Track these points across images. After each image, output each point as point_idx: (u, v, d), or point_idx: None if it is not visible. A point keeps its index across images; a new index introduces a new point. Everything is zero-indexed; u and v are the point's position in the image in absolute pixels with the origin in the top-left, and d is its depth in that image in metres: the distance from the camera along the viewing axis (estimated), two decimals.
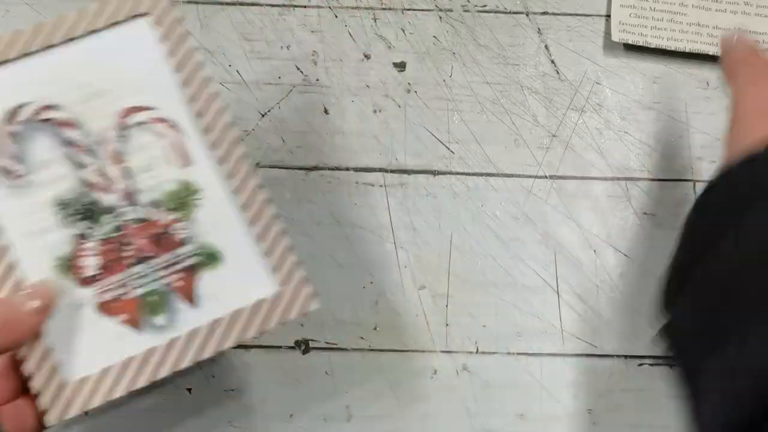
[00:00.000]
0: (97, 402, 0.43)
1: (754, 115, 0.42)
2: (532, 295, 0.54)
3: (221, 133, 0.46)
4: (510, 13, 0.60)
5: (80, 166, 0.45)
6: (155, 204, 0.45)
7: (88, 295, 0.44)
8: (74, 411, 0.43)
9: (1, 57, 0.45)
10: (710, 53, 0.58)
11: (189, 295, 0.45)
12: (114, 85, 0.46)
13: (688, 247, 0.40)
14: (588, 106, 0.58)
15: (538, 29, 0.59)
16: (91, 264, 0.45)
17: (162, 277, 0.45)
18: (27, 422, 0.42)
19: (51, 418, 0.42)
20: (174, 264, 0.45)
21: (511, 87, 0.58)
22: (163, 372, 0.44)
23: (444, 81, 0.58)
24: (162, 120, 0.46)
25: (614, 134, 0.57)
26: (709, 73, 0.59)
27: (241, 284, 0.45)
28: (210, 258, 0.45)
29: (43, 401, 0.42)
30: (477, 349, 0.54)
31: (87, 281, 0.44)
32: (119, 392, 0.43)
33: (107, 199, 0.45)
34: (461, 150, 0.56)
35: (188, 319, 0.45)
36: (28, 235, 0.44)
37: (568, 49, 0.59)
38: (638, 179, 0.56)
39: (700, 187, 0.56)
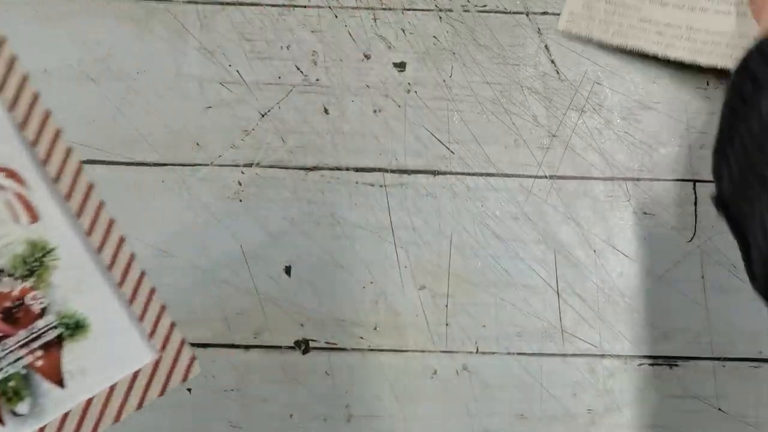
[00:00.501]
0: None
1: None
2: (532, 295, 0.54)
3: (72, 180, 0.39)
4: (510, 13, 0.60)
5: None
6: (2, 272, 0.38)
7: None
8: None
9: None
10: (650, 52, 0.57)
11: (54, 375, 0.39)
12: None
13: (730, 114, 0.43)
14: (588, 106, 0.58)
15: (538, 29, 0.59)
16: None
17: (20, 358, 0.39)
18: None
19: None
20: (33, 340, 0.39)
21: (511, 87, 0.58)
22: None
23: (444, 81, 0.58)
24: (3, 169, 0.38)
25: (614, 134, 0.57)
26: (709, 73, 0.59)
27: (113, 355, 0.40)
28: (75, 328, 0.39)
29: None
30: (477, 349, 0.54)
31: None
32: None
33: None
34: (461, 150, 0.56)
35: (57, 401, 0.39)
36: None
37: (568, 49, 0.59)
38: (638, 179, 0.56)
39: (700, 187, 0.56)
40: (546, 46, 0.59)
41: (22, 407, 0.39)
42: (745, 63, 0.42)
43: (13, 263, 0.39)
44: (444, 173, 0.56)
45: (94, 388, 0.39)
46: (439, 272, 0.55)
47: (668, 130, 0.57)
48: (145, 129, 0.56)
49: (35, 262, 0.39)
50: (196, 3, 0.59)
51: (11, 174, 0.39)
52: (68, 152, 0.39)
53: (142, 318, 0.40)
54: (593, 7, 0.57)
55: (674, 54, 0.56)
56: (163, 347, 0.40)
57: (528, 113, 0.57)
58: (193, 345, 0.52)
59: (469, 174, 0.56)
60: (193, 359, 0.41)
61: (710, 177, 0.56)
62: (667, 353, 0.53)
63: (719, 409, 0.52)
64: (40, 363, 0.39)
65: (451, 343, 0.54)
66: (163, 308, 0.40)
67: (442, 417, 0.53)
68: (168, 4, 0.59)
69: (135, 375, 0.40)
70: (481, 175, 0.56)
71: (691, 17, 0.56)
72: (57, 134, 0.39)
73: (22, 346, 0.39)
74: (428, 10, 0.59)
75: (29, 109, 0.38)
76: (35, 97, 0.38)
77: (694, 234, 0.55)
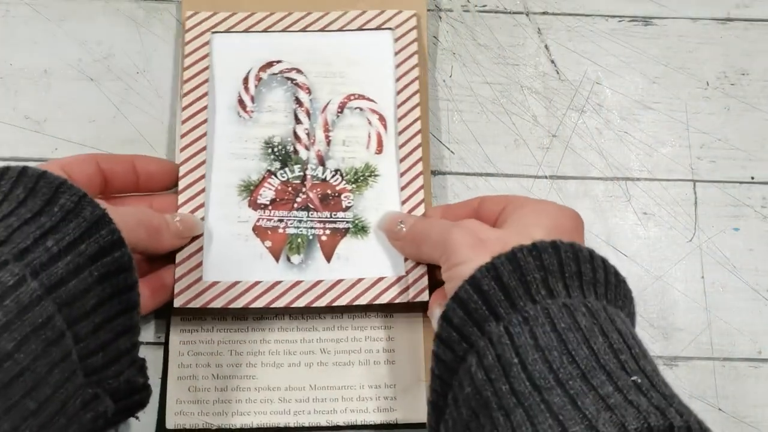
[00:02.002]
0: (218, 305, 0.49)
1: (467, 246, 0.43)
2: None
3: (410, 136, 0.54)
4: (510, 13, 0.60)
5: (298, 121, 0.55)
6: (338, 172, 0.54)
7: (253, 216, 0.52)
8: (197, 304, 0.49)
9: (270, 30, 0.56)
10: (289, 425, 0.49)
11: (328, 251, 0.52)
12: (350, 72, 0.56)
13: (438, 382, 0.41)
14: (588, 106, 0.58)
15: (538, 29, 0.59)
16: (266, 195, 0.53)
17: (314, 227, 0.52)
18: (163, 293, 0.49)
19: (177, 302, 0.49)
20: (329, 222, 0.52)
21: (511, 87, 0.58)
22: (280, 304, 0.50)
23: (444, 81, 0.58)
24: (377, 112, 0.55)
25: (614, 134, 0.57)
26: (709, 73, 0.59)
27: (373, 259, 0.51)
28: (359, 229, 0.52)
29: (179, 286, 0.49)
30: None
31: (257, 206, 0.52)
32: (238, 305, 0.49)
33: (304, 153, 0.54)
34: (461, 150, 0.56)
35: (319, 269, 0.51)
36: (232, 155, 0.53)
37: (568, 49, 0.59)
38: (638, 179, 0.56)
39: (700, 187, 0.56)
40: (546, 46, 0.59)
41: (296, 259, 0.52)
42: (445, 338, 0.40)
43: (348, 170, 0.54)
44: (444, 173, 0.56)
45: (346, 274, 0.51)
46: None
47: (668, 130, 0.57)
48: (145, 129, 0.56)
49: (362, 177, 0.53)
50: None
51: (382, 119, 0.55)
52: (416, 119, 0.54)
53: None
54: (200, 399, 0.50)
55: (306, 420, 0.49)
56: (410, 270, 0.50)
57: (528, 113, 0.57)
58: None
59: (469, 174, 0.56)
60: (425, 288, 0.50)
61: (710, 177, 0.56)
62: (667, 353, 0.53)
63: (719, 409, 0.52)
64: (324, 238, 0.52)
65: None
66: None
67: None
68: (168, 4, 0.59)
69: (379, 279, 0.51)
70: (481, 175, 0.56)
71: (311, 375, 0.50)
72: (415, 105, 0.54)
73: (320, 222, 0.52)
74: (428, 10, 0.59)
75: (408, 84, 0.55)
76: (413, 79, 0.55)
77: (694, 234, 0.55)
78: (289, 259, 0.51)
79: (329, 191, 0.53)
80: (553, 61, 0.59)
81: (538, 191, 0.56)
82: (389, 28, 0.56)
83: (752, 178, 0.56)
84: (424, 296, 0.49)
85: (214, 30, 0.56)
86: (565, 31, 0.59)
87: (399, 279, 0.50)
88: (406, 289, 0.50)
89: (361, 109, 0.55)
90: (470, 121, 0.57)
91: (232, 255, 0.51)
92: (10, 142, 0.55)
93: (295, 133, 0.54)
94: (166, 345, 0.50)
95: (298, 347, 0.51)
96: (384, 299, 0.50)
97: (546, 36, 0.59)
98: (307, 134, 0.54)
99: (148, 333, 0.51)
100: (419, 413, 0.50)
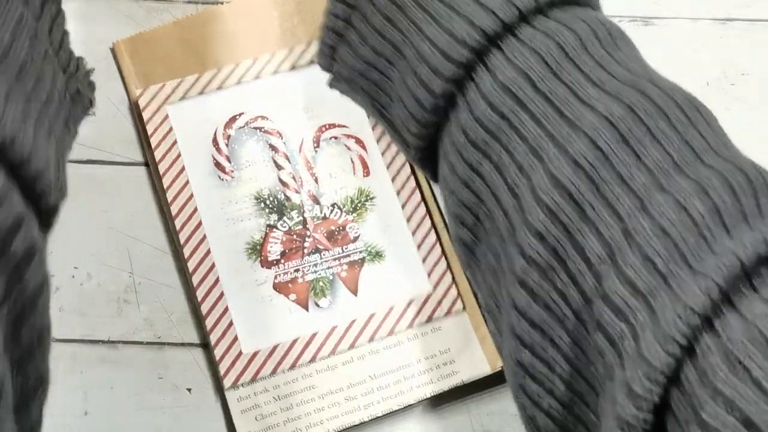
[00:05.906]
0: (267, 372, 0.50)
1: None
2: None
3: (395, 153, 0.54)
4: None
5: (279, 168, 0.54)
6: (335, 206, 0.53)
7: (269, 275, 0.52)
8: (246, 378, 0.50)
9: (224, 86, 0.55)
10: (364, 420, 0.50)
11: (352, 285, 0.52)
12: (313, 105, 0.55)
13: None
14: None
15: None
16: (275, 250, 0.52)
17: (331, 267, 0.52)
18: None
19: (227, 383, 0.50)
20: (343, 257, 0.52)
21: None
22: (324, 353, 0.50)
23: None
24: (352, 136, 0.54)
25: None
26: (709, 73, 0.59)
27: (397, 281, 0.52)
28: (374, 255, 0.53)
29: (223, 366, 0.50)
30: None
31: (269, 264, 0.52)
32: (286, 366, 0.50)
33: (296, 197, 0.53)
34: None
35: (348, 306, 0.52)
36: (228, 221, 0.53)
37: None
38: None
39: None
40: None
41: (324, 302, 0.52)
42: None
43: (344, 201, 0.53)
44: None
45: (377, 304, 0.51)
46: None
47: None
48: None
49: (359, 203, 0.53)
50: (196, 3, 0.59)
51: (359, 141, 0.54)
52: None
53: (424, 260, 0.52)
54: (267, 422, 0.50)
55: (378, 410, 0.50)
56: (436, 285, 0.52)
57: None
58: (196, 345, 0.53)
59: None
60: (458, 297, 0.52)
61: None
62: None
63: None
64: (344, 274, 0.52)
65: None
66: (440, 257, 0.52)
67: (441, 415, 0.53)
68: (168, 4, 0.59)
69: (410, 302, 0.52)
70: None
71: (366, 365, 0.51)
72: None
73: (335, 259, 0.52)
74: None
75: None
76: None
77: None
78: (317, 305, 0.52)
79: (333, 227, 0.53)
80: None
81: None
82: None
83: None
84: (459, 305, 0.51)
85: (168, 102, 0.55)
86: None
87: (428, 297, 0.52)
88: (439, 303, 0.51)
89: (335, 138, 0.54)
90: None
91: (263, 319, 0.51)
92: None
93: (281, 181, 0.54)
94: (220, 389, 0.51)
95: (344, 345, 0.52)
96: (421, 319, 0.51)
97: None
98: (293, 178, 0.54)
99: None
100: (482, 368, 0.51)
